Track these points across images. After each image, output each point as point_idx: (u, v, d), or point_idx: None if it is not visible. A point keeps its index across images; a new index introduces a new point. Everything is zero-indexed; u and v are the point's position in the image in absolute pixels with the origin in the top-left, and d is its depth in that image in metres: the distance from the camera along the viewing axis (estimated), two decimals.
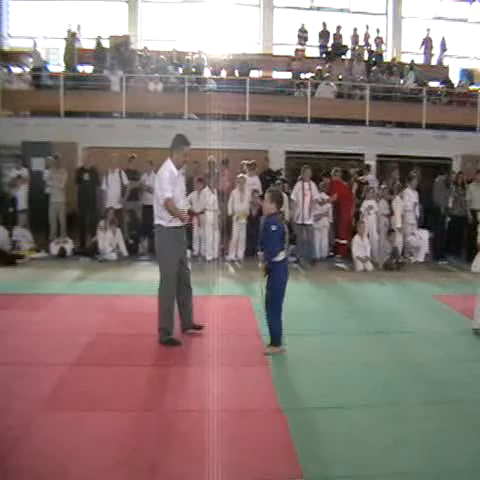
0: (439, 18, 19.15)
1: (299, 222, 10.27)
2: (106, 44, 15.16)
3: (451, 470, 3.46)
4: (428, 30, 17.72)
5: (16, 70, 14.64)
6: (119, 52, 14.79)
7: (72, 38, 14.91)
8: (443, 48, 17.92)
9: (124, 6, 17.91)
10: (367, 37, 17.45)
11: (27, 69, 14.64)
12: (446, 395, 4.59)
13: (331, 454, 3.59)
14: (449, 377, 4.97)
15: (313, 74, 15.25)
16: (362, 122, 13.91)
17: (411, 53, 17.93)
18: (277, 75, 17.12)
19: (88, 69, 15.47)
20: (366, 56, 16.98)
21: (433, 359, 5.47)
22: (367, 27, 17.57)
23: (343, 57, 16.97)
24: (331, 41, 17.25)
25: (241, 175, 10.74)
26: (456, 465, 3.51)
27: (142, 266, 9.89)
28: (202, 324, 5.95)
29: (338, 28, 17.22)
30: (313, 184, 10.49)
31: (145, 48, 15.67)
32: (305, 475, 3.34)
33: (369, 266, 10.00)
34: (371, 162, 12.87)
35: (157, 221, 5.63)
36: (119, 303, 7.25)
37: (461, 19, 19.35)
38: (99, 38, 15.08)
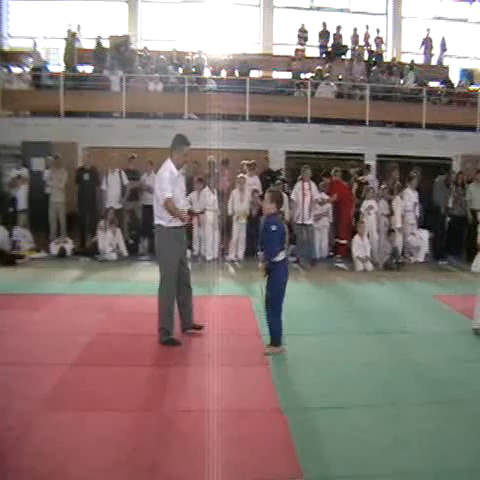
0: (439, 18, 19.13)
1: (299, 222, 10.27)
2: (106, 44, 15.15)
3: (451, 470, 3.46)
4: (428, 30, 17.71)
5: (16, 70, 14.63)
6: (119, 52, 14.78)
7: (72, 38, 14.90)
8: (443, 48, 17.91)
9: (124, 6, 17.90)
10: (367, 37, 17.43)
11: (27, 69, 14.62)
12: (446, 395, 4.59)
13: (331, 454, 3.58)
14: (449, 377, 4.98)
15: (313, 74, 15.26)
16: (362, 122, 13.90)
17: (411, 53, 17.92)
18: (277, 75, 17.12)
19: (88, 69, 15.46)
20: (366, 56, 16.97)
21: (433, 359, 5.47)
22: (367, 27, 17.55)
23: (343, 57, 16.96)
24: (331, 41, 17.24)
25: (241, 175, 10.74)
26: (456, 465, 3.51)
27: (142, 266, 9.89)
28: (202, 324, 5.95)
29: (338, 28, 17.21)
30: (313, 184, 10.49)
31: (145, 48, 15.66)
32: (305, 475, 3.34)
33: (369, 266, 10.00)
34: (371, 162, 12.85)
35: (157, 221, 5.63)
36: (119, 303, 7.25)
37: (461, 19, 19.33)
38: (99, 38, 15.07)
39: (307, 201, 10.26)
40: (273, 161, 12.44)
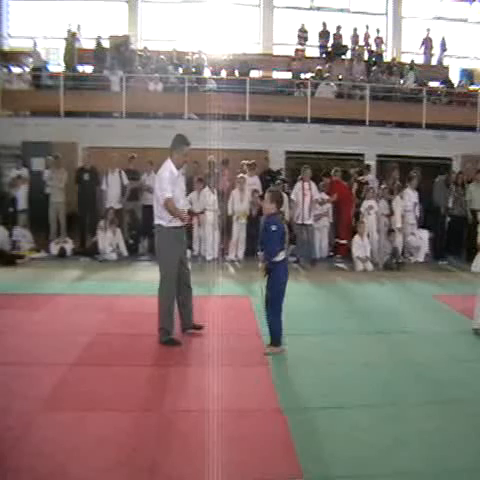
0: (439, 18, 19.14)
1: (299, 222, 10.27)
2: (106, 44, 15.15)
3: (451, 470, 3.46)
4: (428, 30, 17.71)
5: (16, 70, 14.63)
6: (119, 52, 14.78)
7: (72, 38, 14.90)
8: (443, 48, 17.91)
9: (124, 6, 17.90)
10: (367, 37, 17.43)
11: (27, 69, 14.63)
12: (446, 395, 4.59)
13: (331, 454, 3.58)
14: (449, 377, 4.98)
15: (313, 74, 15.26)
16: (362, 122, 13.90)
17: (411, 53, 17.93)
18: (277, 75, 17.13)
19: (88, 69, 15.46)
20: (366, 56, 16.98)
21: (433, 359, 5.47)
22: (367, 27, 17.55)
23: (343, 57, 16.96)
24: (331, 41, 17.24)
25: (241, 175, 10.74)
26: (456, 465, 3.51)
27: (142, 266, 9.89)
28: (202, 324, 5.95)
29: (338, 28, 17.21)
30: (313, 184, 10.49)
31: (145, 48, 15.67)
32: (305, 475, 3.34)
33: (369, 266, 9.99)
34: (371, 162, 12.85)
35: (157, 221, 5.63)
36: (119, 303, 7.25)
37: (461, 19, 19.33)
38: (99, 38, 15.07)
39: (307, 201, 10.26)
40: (273, 161, 12.44)
